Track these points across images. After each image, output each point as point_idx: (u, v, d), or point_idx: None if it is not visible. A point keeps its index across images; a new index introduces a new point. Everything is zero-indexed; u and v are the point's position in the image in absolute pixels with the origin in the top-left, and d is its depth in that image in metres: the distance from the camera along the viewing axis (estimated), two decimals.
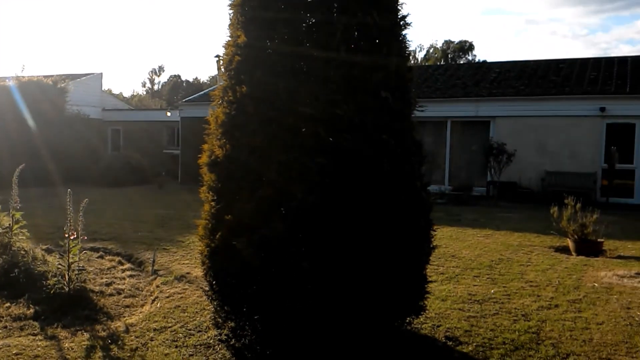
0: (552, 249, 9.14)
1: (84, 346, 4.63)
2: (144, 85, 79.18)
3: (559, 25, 74.83)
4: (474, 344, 4.62)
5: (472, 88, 19.83)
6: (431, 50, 61.39)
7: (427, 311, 5.41)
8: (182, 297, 6.00)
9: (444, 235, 10.13)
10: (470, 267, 7.53)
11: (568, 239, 9.02)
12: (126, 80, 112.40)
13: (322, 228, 3.74)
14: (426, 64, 49.97)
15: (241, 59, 4.07)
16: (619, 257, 8.47)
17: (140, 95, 72.79)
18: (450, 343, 4.65)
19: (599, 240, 8.92)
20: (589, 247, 8.77)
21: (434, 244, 4.86)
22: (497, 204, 16.08)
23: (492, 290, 6.30)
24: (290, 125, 3.79)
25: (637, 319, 5.26)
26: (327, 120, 3.65)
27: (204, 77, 76.27)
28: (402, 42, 4.05)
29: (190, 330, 4.99)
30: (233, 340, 4.49)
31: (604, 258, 8.39)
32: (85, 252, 7.08)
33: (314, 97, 3.67)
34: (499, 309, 5.59)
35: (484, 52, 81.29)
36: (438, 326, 5.04)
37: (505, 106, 18.36)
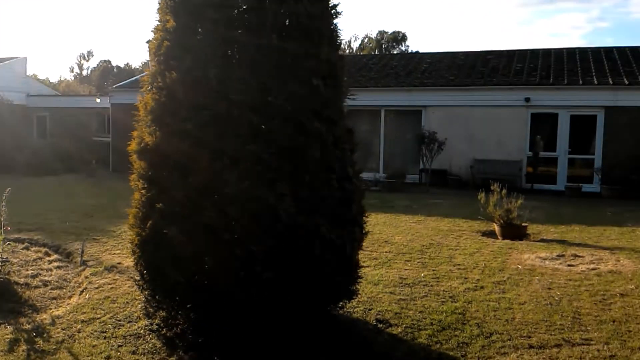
0: (480, 233, 9.53)
1: (7, 340, 4.45)
2: (71, 70, 75.92)
3: (489, 17, 77.42)
4: (403, 325, 4.77)
5: (405, 78, 20.24)
6: (366, 40, 62.10)
7: (359, 295, 5.55)
8: (112, 288, 5.85)
9: (378, 222, 10.36)
10: (402, 252, 7.74)
11: (494, 224, 9.43)
12: (53, 65, 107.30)
13: (255, 214, 3.74)
14: (361, 53, 50.53)
15: (170, 44, 3.99)
16: (542, 240, 8.94)
17: (68, 81, 69.69)
18: (381, 325, 4.79)
19: (523, 224, 9.38)
20: (513, 232, 9.20)
21: (367, 230, 4.97)
22: (429, 191, 16.56)
23: (422, 274, 6.51)
24: (222, 112, 3.75)
25: (556, 298, 5.58)
26: (258, 107, 3.64)
27: (135, 63, 73.95)
28: (333, 31, 4.10)
29: (120, 320, 4.89)
30: (164, 329, 4.44)
31: (528, 241, 8.83)
32: (9, 244, 6.77)
33: (245, 84, 3.66)
34: (428, 291, 5.80)
35: (417, 43, 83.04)
36: (370, 309, 5.17)
37: (436, 96, 18.86)
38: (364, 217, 4.86)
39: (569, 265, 7.01)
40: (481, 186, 16.94)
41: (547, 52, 20.80)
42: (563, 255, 7.56)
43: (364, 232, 4.89)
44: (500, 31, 73.55)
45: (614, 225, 10.20)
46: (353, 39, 62.98)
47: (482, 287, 5.97)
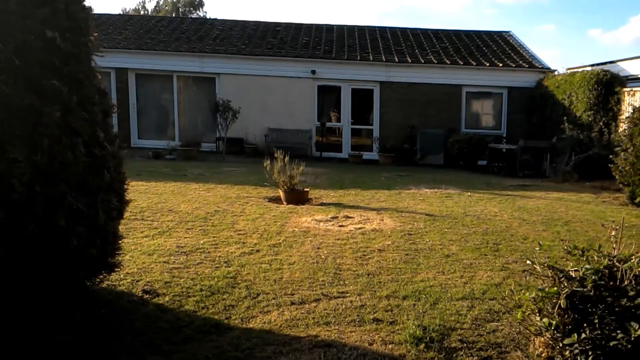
0: (267, 199, 9.80)
1: None
2: None
3: None
4: (172, 294, 4.68)
5: (196, 43, 19.78)
6: (161, 2, 59.37)
7: (129, 267, 5.33)
8: None
9: (165, 191, 10.05)
10: (185, 220, 7.61)
11: (279, 190, 9.78)
12: None
13: None
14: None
15: None
16: (322, 204, 9.51)
17: None
18: (147, 296, 4.64)
19: (305, 190, 9.88)
20: (296, 197, 9.65)
21: (128, 199, 4.73)
22: (225, 159, 16.58)
23: (202, 241, 6.47)
24: None
25: (323, 257, 5.97)
26: None
27: None
28: None
29: None
30: None
31: (309, 205, 9.32)
32: None
33: None
34: (204, 258, 5.78)
35: (216, 11, 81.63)
36: (138, 281, 4.97)
37: (228, 64, 18.78)
38: (124, 185, 4.62)
39: (340, 226, 7.56)
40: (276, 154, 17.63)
41: (330, 28, 21.98)
42: (336, 217, 8.14)
43: (125, 200, 4.65)
44: (302, 3, 75.74)
45: (385, 189, 11.30)
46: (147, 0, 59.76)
47: (257, 251, 6.14)
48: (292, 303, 4.57)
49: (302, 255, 6.00)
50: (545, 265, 3.30)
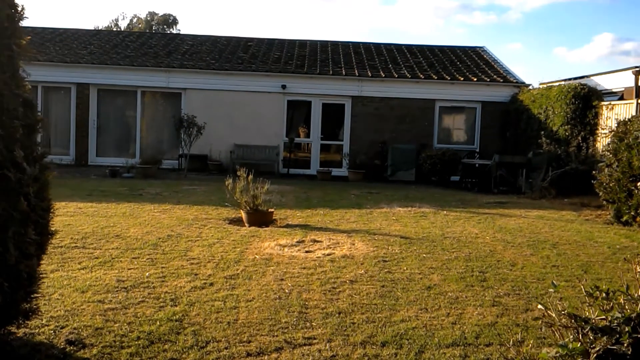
0: (227, 221, 9.00)
1: None
2: None
3: (268, 3, 78.72)
4: (102, 344, 3.83)
5: (164, 58, 18.95)
6: (135, 20, 58.27)
7: (55, 308, 4.46)
8: None
9: (116, 213, 9.15)
10: (132, 248, 6.73)
11: (242, 211, 8.97)
12: None
13: None
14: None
15: None
16: (287, 225, 8.73)
17: None
18: (71, 348, 3.77)
19: (269, 210, 9.09)
20: (260, 218, 8.85)
21: (53, 230, 3.90)
22: (187, 177, 15.71)
23: (148, 273, 5.62)
24: None
25: (287, 290, 5.19)
26: None
27: None
28: None
29: None
30: None
31: (273, 227, 8.53)
32: None
33: None
34: (148, 295, 4.93)
35: (190, 28, 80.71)
36: (62, 327, 4.10)
37: (196, 79, 18.02)
38: (49, 213, 3.80)
39: (306, 252, 6.79)
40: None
41: (303, 43, 21.40)
42: (303, 241, 7.37)
43: (49, 232, 3.82)
44: (280, 18, 75.31)
45: (355, 208, 10.58)
46: (121, 17, 58.68)
47: (211, 284, 5.31)
48: (248, 354, 3.76)
49: (263, 289, 5.20)
50: (565, 313, 2.58)
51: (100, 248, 6.69)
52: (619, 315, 2.53)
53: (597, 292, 2.72)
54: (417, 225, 8.78)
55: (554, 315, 2.67)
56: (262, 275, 5.68)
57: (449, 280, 5.65)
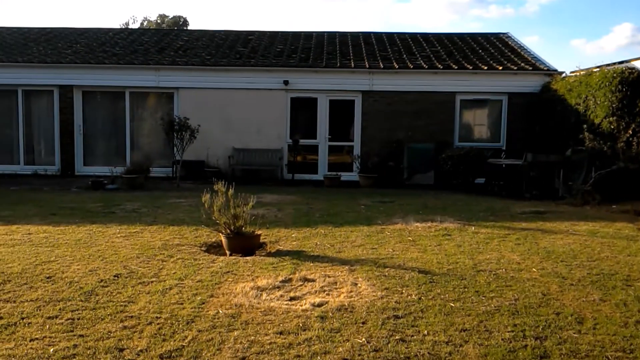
0: (204, 247, 7.32)
1: None
2: None
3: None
4: None
5: (155, 55, 17.30)
6: (145, 24, 57.10)
7: None
8: None
9: (69, 240, 7.49)
10: (57, 299, 5.01)
11: (221, 235, 7.23)
12: None
13: None
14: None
15: None
16: (277, 252, 7.00)
17: None
18: None
19: (255, 233, 7.35)
20: (243, 243, 7.13)
21: None
22: (180, 186, 14.09)
23: (53, 349, 3.89)
24: None
25: None
26: None
27: None
28: None
29: None
30: None
31: (258, 257, 6.79)
32: None
33: None
34: None
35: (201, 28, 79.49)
36: None
37: (189, 77, 16.37)
38: None
39: (290, 300, 5.00)
40: (241, 178, 14.98)
41: (309, 35, 19.64)
42: (290, 280, 5.59)
43: None
44: (291, 17, 73.49)
45: (364, 224, 8.77)
46: (131, 20, 57.48)
47: None
48: None
49: None
50: None
51: (15, 300, 4.97)
52: None
53: None
54: (440, 251, 6.94)
55: None
56: (217, 351, 3.90)
57: (492, 356, 3.81)
